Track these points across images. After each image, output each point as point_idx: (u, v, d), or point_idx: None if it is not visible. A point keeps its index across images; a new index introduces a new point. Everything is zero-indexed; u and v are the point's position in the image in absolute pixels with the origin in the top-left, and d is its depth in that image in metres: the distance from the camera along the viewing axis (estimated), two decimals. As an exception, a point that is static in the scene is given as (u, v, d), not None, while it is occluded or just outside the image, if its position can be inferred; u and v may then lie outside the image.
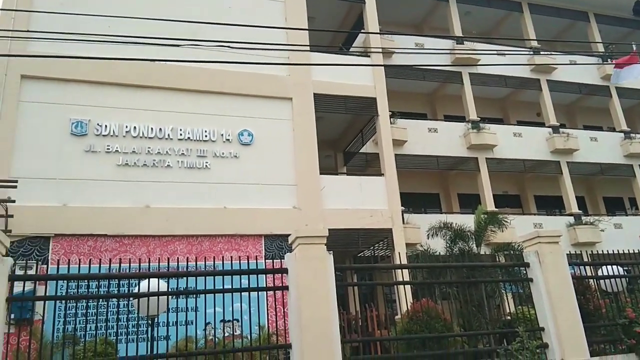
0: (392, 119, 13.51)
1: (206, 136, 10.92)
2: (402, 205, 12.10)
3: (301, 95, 11.90)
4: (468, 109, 15.54)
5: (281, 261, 6.28)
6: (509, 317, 7.82)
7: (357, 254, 13.18)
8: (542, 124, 16.72)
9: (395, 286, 9.97)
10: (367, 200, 11.76)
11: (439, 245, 10.74)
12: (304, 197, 11.15)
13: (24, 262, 7.43)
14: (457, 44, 15.63)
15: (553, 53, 17.26)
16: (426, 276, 7.74)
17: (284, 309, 6.29)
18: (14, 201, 6.24)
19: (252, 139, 11.24)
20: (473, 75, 15.85)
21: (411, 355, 6.03)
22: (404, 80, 14.96)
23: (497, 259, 9.39)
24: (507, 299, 7.70)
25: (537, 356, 5.30)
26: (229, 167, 10.88)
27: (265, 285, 6.19)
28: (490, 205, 14.18)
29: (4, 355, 5.16)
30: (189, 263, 6.29)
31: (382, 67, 12.74)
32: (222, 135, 11.04)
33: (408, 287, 6.59)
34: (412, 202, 14.38)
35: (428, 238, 11.24)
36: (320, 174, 11.58)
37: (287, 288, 5.92)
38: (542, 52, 16.91)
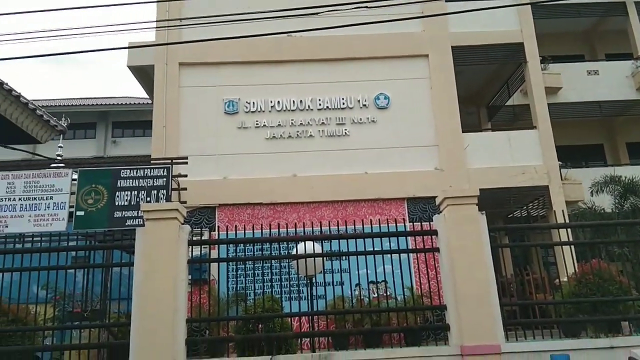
0: (542, 65, 12.21)
1: (343, 104, 11.08)
2: (559, 160, 11.00)
3: (438, 50, 11.36)
4: (636, 44, 13.35)
5: (422, 224, 6.18)
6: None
7: (508, 214, 12.42)
8: None
9: (553, 248, 9.20)
10: (518, 157, 10.92)
11: (604, 202, 9.60)
12: (446, 157, 10.77)
13: (198, 229, 8.48)
14: (619, -32, 13.42)
15: None
16: (592, 236, 7.00)
17: (429, 271, 6.22)
18: (185, 176, 7.07)
19: (388, 102, 11.12)
20: (641, 3, 13.52)
21: (580, 319, 5.55)
22: (554, 20, 13.35)
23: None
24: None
25: None
26: (367, 133, 10.93)
27: (409, 247, 6.19)
28: (669, 153, 12.19)
29: (189, 309, 5.97)
30: (336, 227, 6.54)
31: (530, 7, 11.49)
32: (358, 101, 11.11)
33: (569, 249, 6.02)
34: (571, 155, 13.02)
35: (592, 195, 10.10)
36: (463, 132, 11.04)
37: (437, 250, 5.83)
38: None
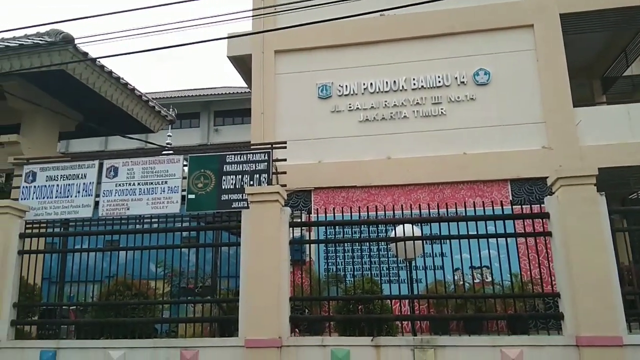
0: (667, 28, 10.82)
1: (439, 82, 10.69)
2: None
3: (544, 18, 10.49)
4: None
5: (531, 206, 5.80)
6: None
7: (628, 195, 11.28)
8: None
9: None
10: (638, 132, 9.83)
11: None
12: (554, 134, 9.98)
13: (298, 212, 8.71)
14: None
15: None
16: None
17: (538, 257, 5.84)
18: (285, 160, 7.29)
19: (488, 78, 10.52)
20: None
21: None
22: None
23: None
24: None
25: None
26: (465, 111, 10.47)
27: (514, 232, 5.85)
28: None
29: (292, 287, 6.18)
30: (433, 210, 6.37)
31: (652, -37, 10.18)
32: (455, 78, 10.65)
33: None
34: None
35: None
36: (574, 106, 10.14)
37: (549, 234, 5.46)
38: None
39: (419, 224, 5.80)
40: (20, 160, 7.86)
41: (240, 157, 7.09)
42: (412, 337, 5.49)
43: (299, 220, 6.85)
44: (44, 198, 7.21)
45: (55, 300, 8.26)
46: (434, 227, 5.84)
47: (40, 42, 8.29)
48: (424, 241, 5.99)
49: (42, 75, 8.77)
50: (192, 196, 6.85)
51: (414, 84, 10.72)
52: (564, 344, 5.01)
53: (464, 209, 5.95)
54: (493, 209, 5.79)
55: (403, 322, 6.32)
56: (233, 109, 26.42)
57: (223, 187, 6.92)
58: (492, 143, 10.14)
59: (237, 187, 6.91)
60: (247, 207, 6.42)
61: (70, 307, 7.87)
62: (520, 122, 10.17)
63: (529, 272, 6.47)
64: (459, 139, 10.28)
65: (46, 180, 7.29)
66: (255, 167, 7.06)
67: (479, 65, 10.59)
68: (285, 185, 6.89)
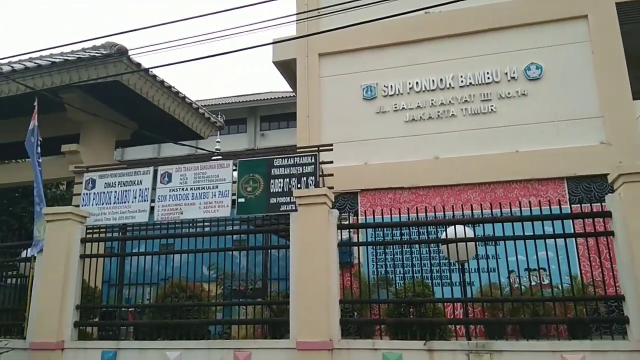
0: None
1: (488, 78, 10.39)
2: None
3: (599, 8, 9.99)
4: None
5: (591, 204, 5.53)
6: None
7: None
8: None
9: None
10: None
11: None
12: (613, 129, 9.47)
13: (346, 214, 8.72)
14: None
15: None
16: None
17: (599, 258, 5.56)
18: (331, 162, 7.30)
19: (541, 72, 10.13)
20: None
21: None
22: None
23: None
24: None
25: None
26: (516, 107, 10.11)
27: (573, 232, 5.59)
28: None
29: (341, 290, 6.17)
30: (486, 210, 6.18)
31: None
32: (505, 74, 10.31)
33: None
34: None
35: None
36: (634, 98, 9.59)
37: (611, 233, 5.19)
38: None
39: (472, 225, 5.65)
40: (80, 169, 8.28)
41: (288, 161, 7.17)
42: (467, 342, 5.36)
43: (347, 222, 6.84)
44: (103, 204, 7.56)
45: (115, 302, 8.65)
46: (486, 228, 5.67)
47: (97, 54, 8.72)
48: (477, 243, 5.83)
49: (99, 87, 9.21)
50: (241, 200, 6.99)
51: (462, 81, 10.47)
52: (630, 349, 4.76)
53: (518, 209, 5.74)
54: (550, 208, 5.54)
55: (456, 326, 6.16)
56: (278, 113, 26.78)
57: (271, 190, 7.01)
58: (546, 140, 9.75)
59: (285, 190, 6.98)
60: (295, 210, 6.48)
61: (129, 309, 8.20)
62: (576, 117, 9.72)
63: (589, 274, 6.17)
64: (511, 136, 9.94)
65: (105, 187, 7.65)
66: (303, 170, 7.12)
67: (529, 59, 10.22)
68: (332, 188, 6.90)
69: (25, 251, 7.91)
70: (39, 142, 7.53)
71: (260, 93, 29.31)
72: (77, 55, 8.98)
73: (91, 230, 7.66)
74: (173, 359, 6.20)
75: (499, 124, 10.10)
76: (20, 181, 11.19)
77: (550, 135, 9.75)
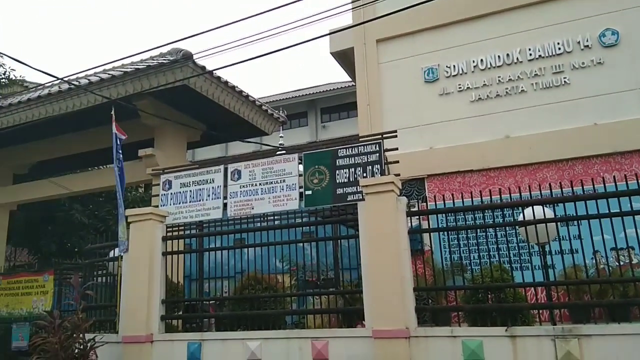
0: None
1: (559, 48, 9.76)
2: None
3: (684, -40, 9.08)
4: None
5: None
6: None
7: None
8: None
9: None
10: None
11: None
12: None
13: (414, 201, 8.60)
14: None
15: None
16: None
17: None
18: (396, 149, 7.20)
19: (617, 38, 9.39)
20: None
21: None
22: None
23: None
24: None
25: None
26: (592, 77, 9.44)
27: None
28: None
29: (414, 277, 6.09)
30: (566, 189, 5.83)
31: None
32: (578, 42, 9.65)
33: None
34: None
35: None
36: None
37: None
38: None
39: (551, 205, 5.36)
40: (157, 171, 8.73)
41: (352, 151, 7.15)
42: (552, 327, 5.12)
43: (415, 209, 6.73)
44: (179, 203, 7.94)
45: (196, 296, 9.08)
46: (567, 208, 5.36)
47: (164, 61, 9.13)
48: (558, 223, 5.52)
49: (168, 92, 9.65)
50: (308, 192, 7.06)
51: (530, 55, 9.92)
52: None
53: (601, 185, 5.37)
54: (638, 182, 5.13)
55: (539, 311, 5.89)
56: (338, 104, 26.78)
57: (337, 181, 7.02)
58: (627, 110, 9.04)
59: (351, 180, 6.97)
60: (363, 199, 6.46)
61: (210, 302, 8.58)
62: (662, 83, 8.93)
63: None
64: (587, 109, 9.31)
65: (180, 187, 8.02)
66: (367, 158, 7.07)
67: (604, 25, 9.49)
68: (398, 175, 6.80)
69: (112, 251, 8.48)
70: (119, 149, 8.02)
71: (318, 85, 29.44)
72: (147, 64, 9.45)
73: (171, 229, 8.07)
74: (254, 349, 6.42)
75: (574, 97, 9.50)
76: (102, 186, 12.01)
77: (631, 105, 9.03)
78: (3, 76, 15.90)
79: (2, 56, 14.85)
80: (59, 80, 9.82)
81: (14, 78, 15.87)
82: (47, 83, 11.11)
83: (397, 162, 7.24)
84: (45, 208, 14.63)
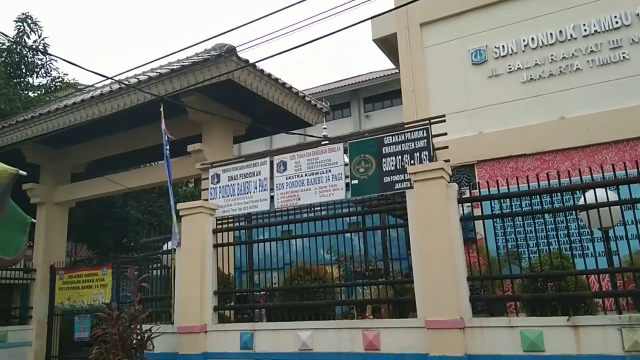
0: None
1: (616, 22, 9.15)
2: None
3: None
4: None
5: None
6: None
7: None
8: None
9: None
10: None
11: None
12: None
13: (466, 188, 8.34)
14: None
15: None
16: None
17: None
18: (445, 134, 6.99)
19: (682, 7, 8.69)
20: None
21: None
22: None
23: None
24: None
25: None
26: (654, 51, 8.81)
27: None
28: None
29: (467, 266, 5.89)
30: (631, 170, 5.45)
31: None
32: (637, 15, 9.02)
33: None
34: None
35: None
36: None
37: None
38: None
39: (615, 187, 5.03)
40: (206, 165, 8.90)
41: (398, 137, 6.99)
42: (618, 316, 4.82)
43: (467, 196, 6.51)
44: (228, 196, 8.05)
45: (247, 287, 9.23)
46: (633, 190, 5.01)
47: (209, 57, 9.25)
48: (623, 206, 5.18)
49: (214, 87, 9.79)
50: (355, 181, 6.97)
51: (585, 30, 9.36)
52: None
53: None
54: None
55: (603, 299, 5.57)
56: (381, 92, 26.44)
57: (384, 169, 6.89)
58: (698, 83, 8.37)
59: (398, 168, 6.82)
60: (411, 187, 6.32)
61: (260, 293, 8.70)
62: None
63: None
64: (650, 84, 8.70)
65: (228, 180, 8.13)
66: (415, 145, 6.89)
67: (666, -9, 8.81)
68: (447, 161, 6.60)
69: (166, 244, 8.74)
70: (167, 145, 8.21)
71: (360, 75, 29.16)
72: (192, 60, 9.61)
73: (220, 221, 8.21)
74: (305, 339, 6.44)
75: (634, 73, 8.90)
76: (154, 182, 12.39)
77: (702, 78, 8.35)
78: (58, 80, 16.69)
79: (56, 60, 15.53)
80: (110, 81, 10.16)
81: (67, 81, 16.62)
82: (97, 83, 11.54)
83: (447, 147, 7.03)
84: (101, 205, 15.30)
